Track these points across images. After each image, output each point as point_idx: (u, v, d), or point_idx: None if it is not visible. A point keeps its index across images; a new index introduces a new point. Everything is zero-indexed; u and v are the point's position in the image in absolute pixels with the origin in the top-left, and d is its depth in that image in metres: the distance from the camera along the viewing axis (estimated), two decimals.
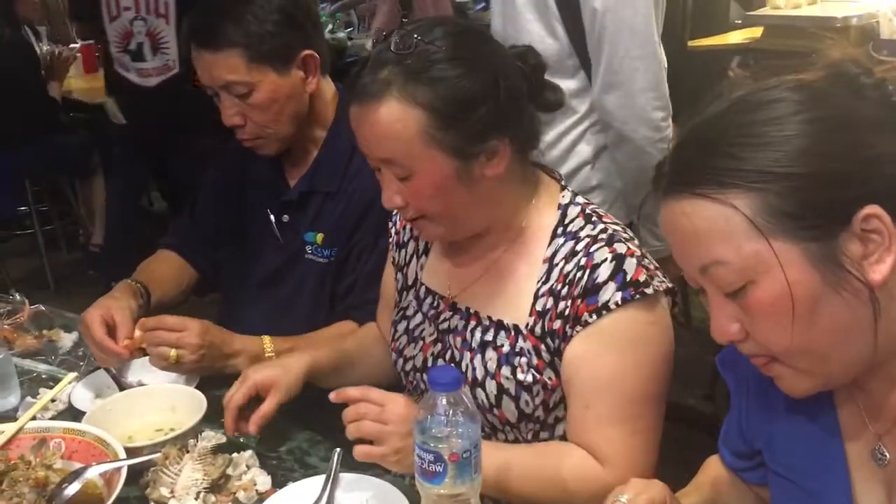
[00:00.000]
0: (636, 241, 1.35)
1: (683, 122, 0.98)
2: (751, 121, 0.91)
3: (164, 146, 3.60)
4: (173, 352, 1.56)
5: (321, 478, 1.31)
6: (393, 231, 1.62)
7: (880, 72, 0.94)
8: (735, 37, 4.74)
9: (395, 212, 1.56)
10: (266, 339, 1.68)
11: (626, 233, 1.35)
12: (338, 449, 1.34)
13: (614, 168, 2.03)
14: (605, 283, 1.27)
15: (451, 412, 1.07)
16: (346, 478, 1.31)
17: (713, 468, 1.28)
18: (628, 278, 1.27)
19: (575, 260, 1.31)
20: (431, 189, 1.30)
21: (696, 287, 0.99)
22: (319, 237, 1.80)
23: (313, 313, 1.80)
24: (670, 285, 1.31)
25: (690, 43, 4.61)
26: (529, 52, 1.38)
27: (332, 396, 1.32)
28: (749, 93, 0.94)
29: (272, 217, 1.85)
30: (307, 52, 1.74)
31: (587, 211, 1.38)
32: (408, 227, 1.56)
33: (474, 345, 1.39)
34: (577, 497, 1.29)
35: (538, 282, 1.35)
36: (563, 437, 1.39)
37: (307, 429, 1.51)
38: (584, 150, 2.03)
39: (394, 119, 1.26)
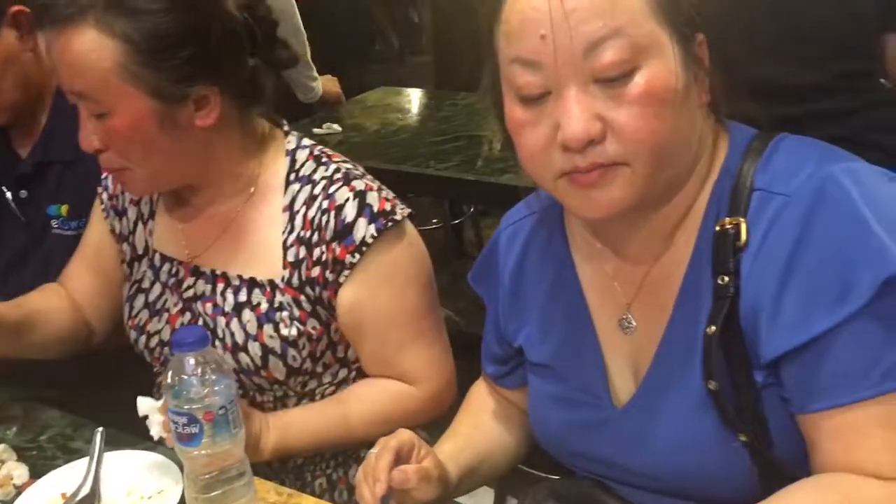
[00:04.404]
0: (370, 176, 1.35)
1: None
2: None
3: None
4: None
5: (85, 461, 1.24)
6: (105, 197, 1.51)
7: None
8: None
9: (106, 176, 1.50)
10: None
11: (357, 169, 1.36)
12: (100, 428, 1.27)
13: None
14: (355, 220, 1.27)
15: (200, 371, 1.04)
16: (112, 456, 1.25)
17: (472, 400, 1.31)
18: (375, 210, 1.28)
19: (316, 204, 1.30)
20: (129, 130, 1.23)
21: (535, 93, 0.92)
22: (64, 209, 1.67)
23: None
24: (410, 211, 1.33)
25: None
26: (259, 5, 1.31)
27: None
28: None
29: (8, 194, 1.69)
30: (17, 7, 1.59)
31: (315, 152, 1.37)
32: (126, 192, 1.48)
33: (227, 308, 1.34)
34: (401, 423, 1.19)
35: (283, 232, 1.32)
36: (333, 384, 1.39)
37: (70, 413, 1.42)
38: None
39: (88, 49, 1.18)
